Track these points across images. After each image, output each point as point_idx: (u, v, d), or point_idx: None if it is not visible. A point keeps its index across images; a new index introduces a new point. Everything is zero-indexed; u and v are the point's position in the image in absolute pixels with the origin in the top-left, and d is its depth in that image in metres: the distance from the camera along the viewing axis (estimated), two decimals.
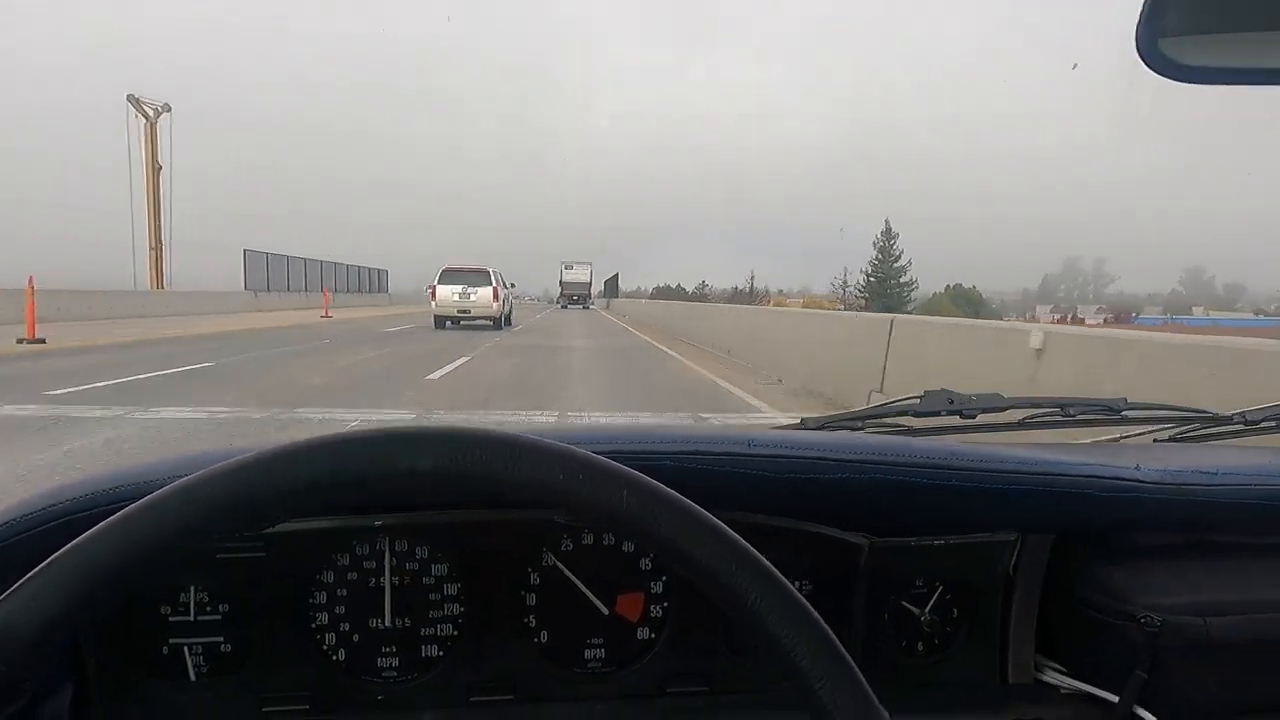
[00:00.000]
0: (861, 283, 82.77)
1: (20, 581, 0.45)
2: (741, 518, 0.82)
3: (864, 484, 0.80)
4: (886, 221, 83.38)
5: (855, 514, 0.84)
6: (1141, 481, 0.84)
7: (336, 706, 0.83)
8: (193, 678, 0.83)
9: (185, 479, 0.48)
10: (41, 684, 0.77)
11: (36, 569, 0.46)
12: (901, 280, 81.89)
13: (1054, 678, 0.89)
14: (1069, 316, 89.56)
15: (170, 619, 0.83)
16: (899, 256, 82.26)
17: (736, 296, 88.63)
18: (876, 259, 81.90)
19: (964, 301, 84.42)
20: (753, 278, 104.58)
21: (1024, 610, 0.90)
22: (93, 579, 0.45)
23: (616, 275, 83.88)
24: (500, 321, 24.83)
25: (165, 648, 0.83)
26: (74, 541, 0.46)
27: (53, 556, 0.46)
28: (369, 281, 62.05)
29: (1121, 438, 1.22)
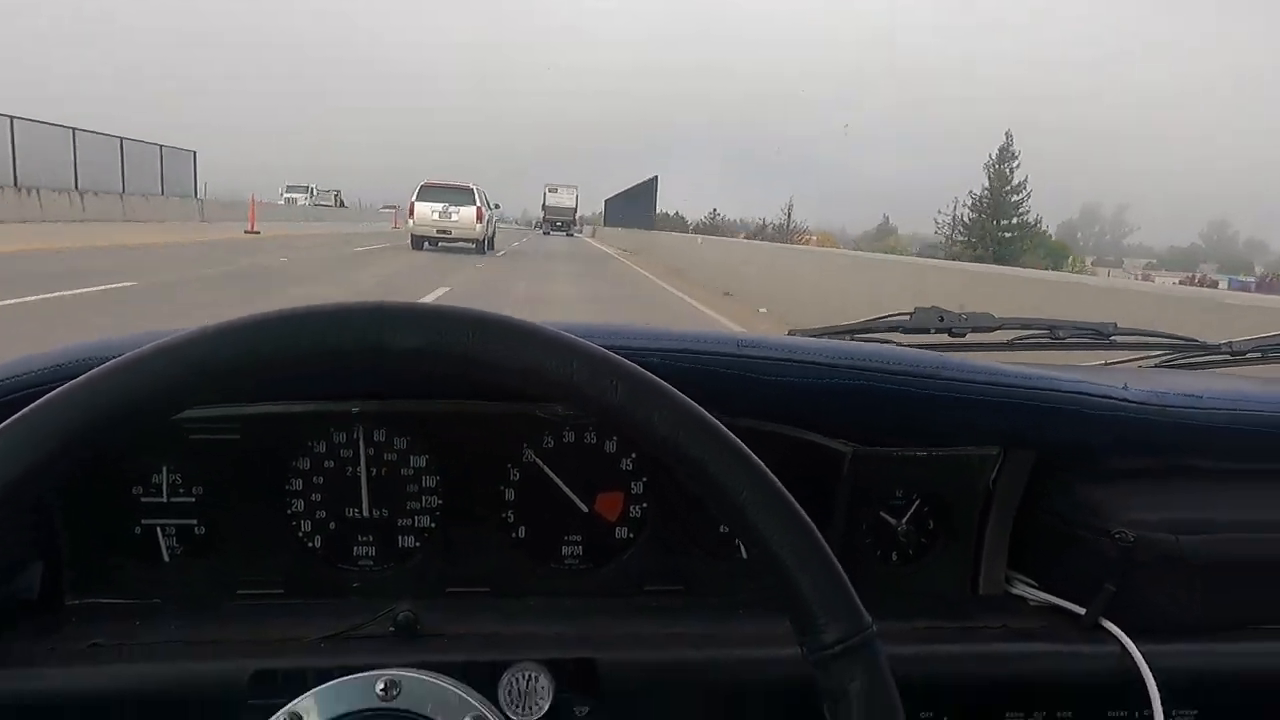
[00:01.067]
0: (966, 219, 58.13)
1: None
2: (724, 420, 0.81)
3: (852, 390, 0.79)
4: (1008, 135, 56.88)
5: (839, 421, 0.84)
6: (1128, 401, 0.84)
7: (312, 592, 0.83)
8: (166, 559, 0.83)
9: (159, 341, 0.46)
10: (8, 559, 0.76)
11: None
12: (1017, 216, 56.19)
13: (1024, 590, 0.91)
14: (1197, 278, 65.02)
15: (143, 499, 0.82)
16: (1019, 188, 56.09)
17: (764, 234, 69.05)
18: (985, 192, 56.82)
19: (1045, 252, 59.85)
20: (790, 208, 77.78)
21: (999, 525, 0.91)
22: (56, 439, 0.44)
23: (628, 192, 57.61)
24: (483, 245, 24.03)
25: (138, 528, 0.82)
26: (38, 401, 0.45)
27: (15, 416, 0.44)
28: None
29: (1109, 363, 1.22)
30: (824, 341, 0.83)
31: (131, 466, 0.81)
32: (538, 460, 0.86)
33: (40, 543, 0.79)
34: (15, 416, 0.44)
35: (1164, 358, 1.15)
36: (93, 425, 0.44)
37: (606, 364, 0.49)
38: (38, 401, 0.44)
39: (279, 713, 0.48)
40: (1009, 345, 1.14)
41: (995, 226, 54.37)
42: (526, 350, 0.48)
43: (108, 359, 0.46)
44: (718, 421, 0.51)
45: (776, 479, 0.51)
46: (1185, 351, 1.15)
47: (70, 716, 0.70)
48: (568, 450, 0.86)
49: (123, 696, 0.69)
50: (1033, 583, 0.91)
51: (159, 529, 0.82)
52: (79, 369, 0.47)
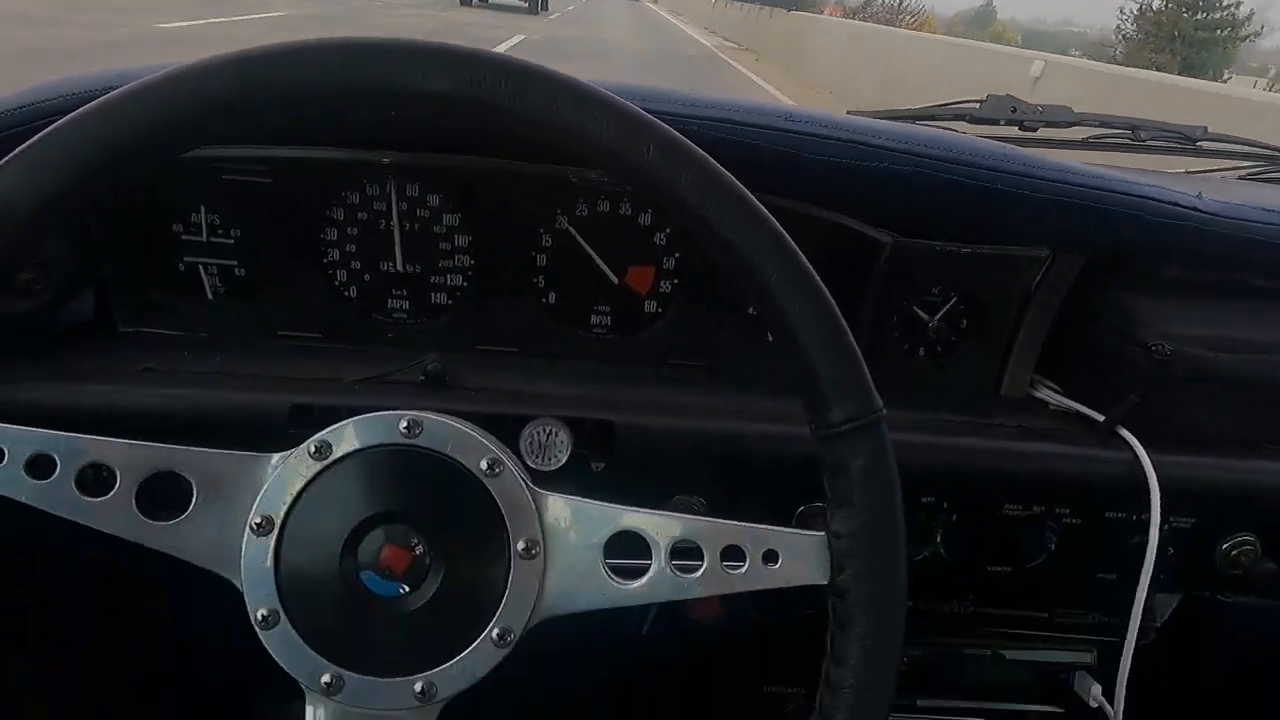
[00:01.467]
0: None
1: (15, 152, 0.44)
2: (762, 197, 0.78)
3: (902, 176, 0.75)
4: None
5: (884, 208, 0.80)
6: (1199, 211, 0.78)
7: (347, 339, 0.86)
8: (210, 297, 0.86)
9: (189, 64, 0.45)
10: (61, 283, 0.79)
11: (31, 141, 0.44)
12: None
13: (1046, 394, 0.91)
14: None
15: (183, 237, 0.83)
16: None
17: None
18: None
19: None
20: None
21: (1033, 328, 0.89)
22: (90, 151, 0.44)
23: None
24: (536, 4, 22.31)
25: (181, 265, 0.85)
26: (69, 115, 0.44)
27: (46, 130, 0.44)
28: None
29: (1190, 171, 1.14)
30: (880, 123, 0.78)
31: (169, 203, 0.82)
32: (570, 228, 0.85)
33: (90, 268, 0.82)
34: (27, 144, 0.44)
35: (1252, 169, 1.06)
36: (126, 142, 0.44)
37: (639, 123, 0.47)
38: (51, 128, 0.44)
39: (308, 440, 0.51)
40: (1084, 144, 1.05)
41: (1189, 21, 33.64)
42: (558, 102, 0.46)
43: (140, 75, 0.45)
44: (750, 195, 0.48)
45: (804, 259, 0.49)
46: (1277, 163, 1.06)
47: (116, 432, 0.76)
48: (602, 220, 0.85)
49: (170, 417, 0.74)
50: (1056, 388, 0.91)
51: (201, 267, 0.84)
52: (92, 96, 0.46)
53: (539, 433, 0.75)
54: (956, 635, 0.95)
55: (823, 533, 0.51)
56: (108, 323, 0.84)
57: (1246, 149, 1.07)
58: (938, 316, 0.89)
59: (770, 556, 0.51)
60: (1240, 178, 1.10)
